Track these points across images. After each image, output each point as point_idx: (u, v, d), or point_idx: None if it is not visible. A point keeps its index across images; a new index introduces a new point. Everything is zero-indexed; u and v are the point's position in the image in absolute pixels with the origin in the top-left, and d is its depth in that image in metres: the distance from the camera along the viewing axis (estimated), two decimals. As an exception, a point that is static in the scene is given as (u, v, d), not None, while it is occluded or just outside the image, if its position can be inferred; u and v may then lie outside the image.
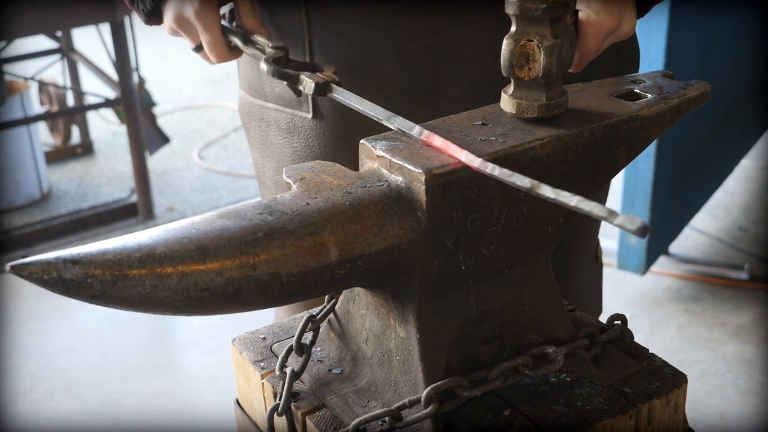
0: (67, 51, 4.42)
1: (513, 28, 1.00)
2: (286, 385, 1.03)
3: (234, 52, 1.28)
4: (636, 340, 1.13)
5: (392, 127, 1.02)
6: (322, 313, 1.10)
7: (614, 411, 1.01)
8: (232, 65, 1.66)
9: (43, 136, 4.54)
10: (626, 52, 1.42)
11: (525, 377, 1.02)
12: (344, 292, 1.07)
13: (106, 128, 4.86)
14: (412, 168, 0.93)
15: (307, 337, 1.09)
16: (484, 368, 1.01)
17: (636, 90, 1.11)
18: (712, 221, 3.76)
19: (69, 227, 3.90)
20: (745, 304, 3.21)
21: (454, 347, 1.00)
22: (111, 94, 4.15)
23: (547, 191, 0.85)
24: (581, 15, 1.17)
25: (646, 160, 2.93)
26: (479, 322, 1.01)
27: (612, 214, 0.80)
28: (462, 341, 1.01)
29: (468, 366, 1.01)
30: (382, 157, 0.97)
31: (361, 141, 1.00)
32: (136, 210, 4.03)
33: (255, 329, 1.18)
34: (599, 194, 1.35)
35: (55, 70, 4.84)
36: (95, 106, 4.03)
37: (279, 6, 1.34)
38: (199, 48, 1.29)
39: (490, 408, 1.02)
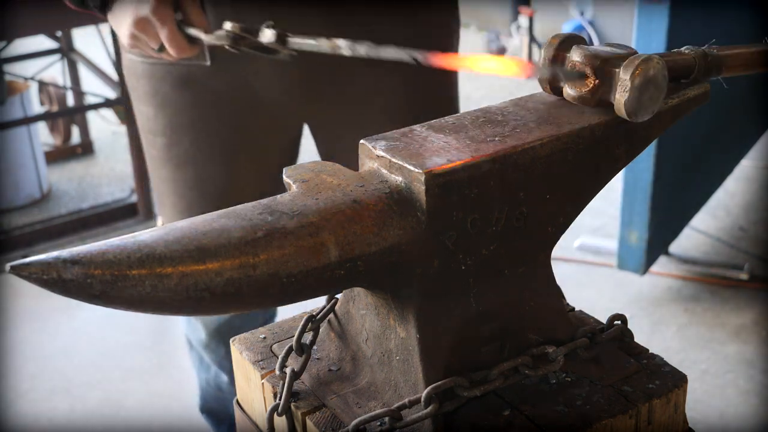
0: (67, 51, 4.42)
1: None
2: (286, 385, 1.03)
3: (193, 47, 1.41)
4: (636, 340, 1.13)
5: (354, 52, 1.09)
6: (322, 313, 1.10)
7: (614, 411, 1.01)
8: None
9: (43, 136, 4.54)
10: None
11: (525, 377, 1.02)
12: (344, 292, 1.07)
13: (106, 128, 4.86)
14: (412, 168, 0.93)
15: (307, 337, 1.09)
16: (484, 368, 1.01)
17: (636, 90, 1.10)
18: (712, 221, 3.76)
19: (69, 227, 3.90)
20: (745, 304, 3.21)
21: (454, 347, 1.00)
22: (111, 94, 4.15)
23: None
24: None
25: (646, 160, 2.93)
26: (479, 322, 1.01)
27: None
28: (462, 341, 1.01)
29: (468, 366, 1.01)
30: (382, 157, 0.97)
31: (361, 141, 1.01)
32: (136, 210, 4.03)
33: (255, 329, 1.18)
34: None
35: (55, 70, 4.84)
36: (95, 106, 4.03)
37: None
38: (161, 49, 1.40)
39: (490, 408, 1.02)
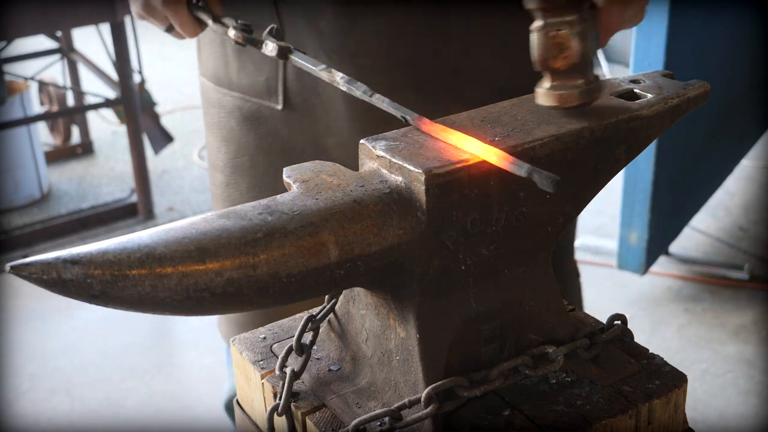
0: (67, 51, 4.43)
1: (539, 22, 0.99)
2: (286, 385, 1.03)
3: (202, 26, 1.33)
4: (636, 340, 1.13)
5: (348, 89, 1.05)
6: (322, 313, 1.10)
7: (614, 411, 1.01)
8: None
9: (43, 136, 4.55)
10: None
11: (525, 377, 1.02)
12: (344, 292, 1.07)
13: (106, 128, 4.86)
14: (411, 168, 0.93)
15: (307, 337, 1.09)
16: (484, 368, 1.01)
17: (636, 90, 1.11)
18: (712, 221, 3.76)
19: (69, 227, 3.90)
20: (745, 304, 3.22)
21: (454, 347, 1.00)
22: (111, 94, 4.15)
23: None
24: None
25: (646, 160, 2.94)
26: (479, 322, 1.01)
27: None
28: (462, 341, 1.01)
29: (468, 366, 1.01)
30: (382, 157, 0.97)
31: (361, 141, 1.01)
32: (136, 210, 4.03)
33: (255, 329, 1.18)
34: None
35: (55, 70, 4.84)
36: (95, 106, 4.03)
37: (251, 5, 1.39)
38: (170, 29, 1.34)
39: (490, 408, 1.02)
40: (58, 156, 4.59)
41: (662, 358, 1.10)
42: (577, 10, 0.97)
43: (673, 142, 3.00)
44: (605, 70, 5.55)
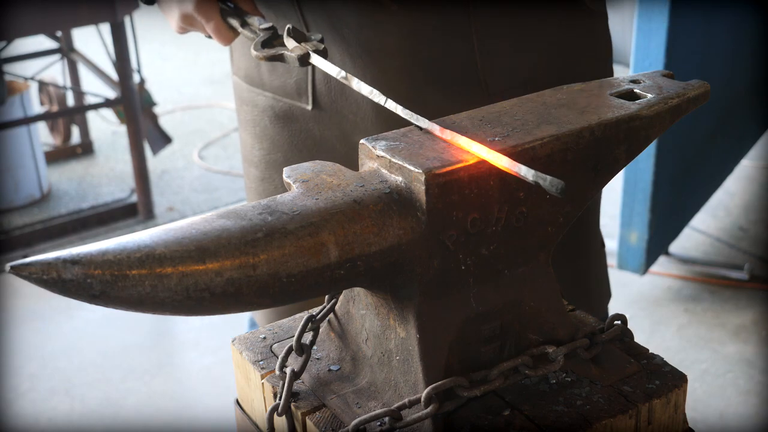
0: (67, 51, 4.42)
1: None
2: (286, 385, 1.03)
3: (236, 32, 1.36)
4: (636, 340, 1.13)
5: (378, 101, 1.05)
6: (322, 313, 1.10)
7: (614, 411, 1.01)
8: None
9: (43, 136, 4.54)
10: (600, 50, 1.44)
11: (525, 377, 1.02)
12: (344, 292, 1.07)
13: (106, 128, 4.86)
14: (411, 168, 0.93)
15: (307, 337, 1.09)
16: (484, 368, 1.01)
17: (636, 90, 1.11)
18: (712, 221, 3.76)
19: (69, 227, 3.90)
20: (745, 304, 3.21)
21: (454, 347, 1.00)
22: (111, 94, 4.15)
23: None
24: None
25: (646, 160, 2.94)
26: (479, 322, 1.01)
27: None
28: (462, 341, 1.01)
29: (468, 366, 1.01)
30: (382, 157, 0.97)
31: (361, 141, 1.01)
32: (136, 210, 4.03)
33: (255, 329, 1.18)
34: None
35: (55, 70, 4.84)
36: (95, 106, 4.03)
37: (277, 12, 1.42)
38: (210, 35, 1.37)
39: (490, 408, 1.02)
40: (58, 156, 4.59)
41: (662, 358, 1.10)
42: None
43: (673, 142, 3.00)
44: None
